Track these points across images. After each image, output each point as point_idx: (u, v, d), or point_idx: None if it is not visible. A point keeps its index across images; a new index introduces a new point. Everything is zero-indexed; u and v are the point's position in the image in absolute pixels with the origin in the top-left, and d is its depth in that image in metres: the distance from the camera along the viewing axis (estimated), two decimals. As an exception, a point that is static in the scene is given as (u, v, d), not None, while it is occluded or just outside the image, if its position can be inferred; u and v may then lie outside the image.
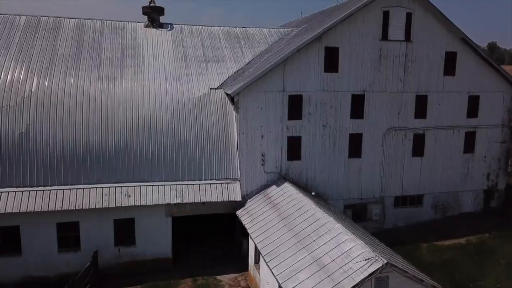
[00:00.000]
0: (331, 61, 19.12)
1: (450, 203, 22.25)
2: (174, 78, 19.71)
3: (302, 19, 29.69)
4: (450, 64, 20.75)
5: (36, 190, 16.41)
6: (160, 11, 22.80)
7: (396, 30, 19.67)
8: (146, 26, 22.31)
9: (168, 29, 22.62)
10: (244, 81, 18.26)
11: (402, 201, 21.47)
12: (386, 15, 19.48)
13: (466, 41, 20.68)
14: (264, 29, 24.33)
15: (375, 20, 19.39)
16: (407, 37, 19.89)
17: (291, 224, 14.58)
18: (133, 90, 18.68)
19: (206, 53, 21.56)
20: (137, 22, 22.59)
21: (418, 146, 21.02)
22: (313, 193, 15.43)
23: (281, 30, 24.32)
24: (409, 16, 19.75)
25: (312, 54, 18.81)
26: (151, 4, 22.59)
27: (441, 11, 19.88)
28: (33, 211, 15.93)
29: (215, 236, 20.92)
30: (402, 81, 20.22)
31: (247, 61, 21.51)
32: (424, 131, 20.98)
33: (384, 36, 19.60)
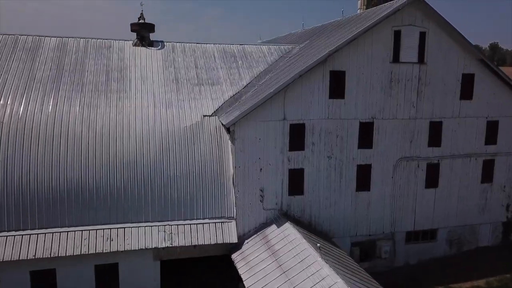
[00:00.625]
0: (337, 86, 17.30)
1: (466, 237, 20.37)
2: (163, 104, 17.88)
3: (304, 32, 27.91)
4: (467, 87, 18.91)
5: (6, 236, 14.59)
6: (150, 28, 21.00)
7: (409, 51, 17.84)
8: (135, 45, 20.50)
9: (159, 47, 20.81)
10: (240, 110, 16.44)
11: (414, 236, 19.61)
12: (397, 35, 17.65)
13: (484, 62, 18.84)
14: (263, 46, 22.51)
15: (385, 40, 17.57)
16: (421, 59, 18.05)
17: (293, 282, 12.71)
18: (118, 119, 16.85)
19: (200, 75, 19.74)
20: (125, 40, 20.79)
21: (432, 177, 19.16)
22: (318, 244, 13.63)
23: (282, 47, 22.50)
24: (422, 35, 17.93)
25: (316, 79, 16.99)
26: (140, 21, 20.78)
27: (457, 30, 18.08)
28: (2, 261, 14.10)
29: (209, 278, 19.02)
30: (415, 106, 18.38)
31: (245, 83, 19.69)
32: (438, 160, 19.13)
33: (396, 58, 17.76)
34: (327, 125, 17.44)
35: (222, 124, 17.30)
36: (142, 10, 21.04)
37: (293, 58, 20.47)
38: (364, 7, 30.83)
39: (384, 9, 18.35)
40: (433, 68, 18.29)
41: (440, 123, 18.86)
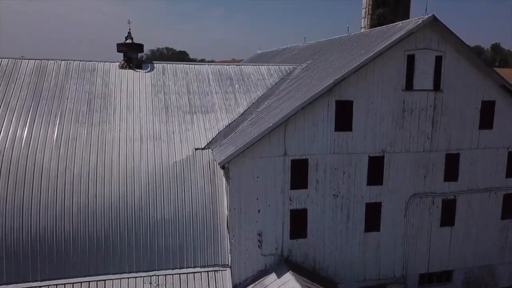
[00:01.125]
0: (344, 117, 15.52)
1: (484, 279, 18.56)
2: (151, 137, 16.11)
3: (306, 47, 26.18)
4: (487, 115, 17.11)
5: (-31, 294, 12.82)
6: (138, 48, 19.24)
7: (423, 77, 16.06)
8: (121, 67, 18.74)
9: (148, 69, 19.05)
10: (235, 146, 14.67)
11: (428, 278, 17.81)
12: (411, 60, 15.88)
13: (506, 88, 17.05)
14: (262, 67, 20.73)
15: (397, 66, 15.79)
16: (436, 86, 16.27)
17: None
18: (99, 156, 15.09)
19: (192, 101, 17.97)
20: (111, 62, 19.02)
21: (448, 214, 17.36)
22: None
23: (282, 68, 20.72)
24: (438, 60, 16.15)
25: (320, 110, 15.22)
26: (127, 41, 19.02)
27: (476, 54, 16.31)
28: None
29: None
30: (430, 138, 16.59)
31: (242, 110, 17.91)
32: (455, 196, 17.32)
33: (409, 86, 15.98)
34: (333, 161, 15.67)
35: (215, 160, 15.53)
36: (129, 29, 19.32)
37: (295, 81, 18.69)
38: (368, 25, 29.25)
39: (395, 30, 16.59)
40: (450, 96, 16.51)
41: (457, 155, 17.06)
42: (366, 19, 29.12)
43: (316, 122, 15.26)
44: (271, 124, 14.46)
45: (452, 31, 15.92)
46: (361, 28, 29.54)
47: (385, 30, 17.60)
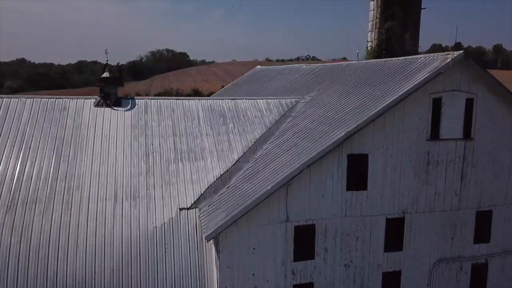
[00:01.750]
0: (357, 174, 12.96)
1: None
2: (128, 195, 13.53)
3: (309, 69, 23.61)
4: (524, 165, 14.56)
5: None
6: (118, 82, 16.68)
7: (451, 124, 13.50)
8: (97, 105, 16.18)
9: (128, 107, 16.47)
10: (227, 212, 12.10)
11: None
12: (437, 104, 13.32)
13: (547, 134, 14.49)
14: (261, 101, 18.14)
15: (421, 112, 13.24)
16: (466, 134, 13.70)
17: None
18: (63, 222, 12.51)
19: (179, 146, 15.39)
20: (85, 99, 16.46)
21: (478, 281, 14.79)
22: None
23: (283, 102, 18.12)
24: (469, 103, 13.59)
25: (329, 166, 12.67)
26: (104, 74, 16.45)
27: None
28: None
29: None
30: (458, 194, 14.01)
31: (236, 157, 15.33)
32: (486, 259, 14.76)
33: (434, 134, 13.42)
34: (344, 225, 13.10)
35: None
36: (107, 60, 16.75)
37: (298, 121, 16.11)
38: (375, 39, 26.73)
39: (416, 67, 14.02)
40: (481, 144, 13.94)
41: (490, 212, 14.50)
42: (374, 33, 26.65)
43: (324, 181, 12.70)
44: (269, 187, 11.89)
45: (486, 69, 13.41)
46: (368, 42, 27.04)
47: (404, 64, 15.02)
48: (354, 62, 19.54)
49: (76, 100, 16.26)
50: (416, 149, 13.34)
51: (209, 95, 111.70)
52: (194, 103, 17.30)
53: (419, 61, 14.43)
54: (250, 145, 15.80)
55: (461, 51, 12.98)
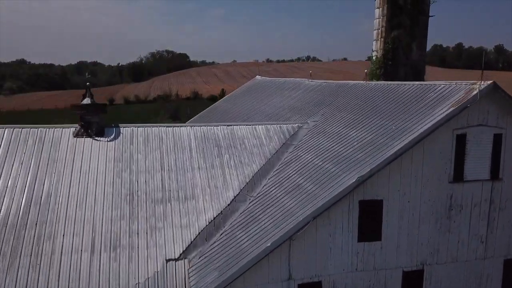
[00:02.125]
0: (370, 223, 11.28)
1: None
2: (107, 245, 11.85)
3: (311, 86, 21.90)
4: (557, 207, 12.85)
5: None
6: (100, 109, 14.99)
7: (477, 163, 11.79)
8: (77, 135, 14.49)
9: (111, 137, 14.77)
10: (220, 271, 10.42)
11: None
12: (461, 141, 11.62)
13: None
14: (260, 127, 16.43)
15: (443, 150, 11.54)
16: (494, 174, 12.00)
17: None
18: (31, 283, 10.83)
19: (167, 183, 13.71)
20: (63, 128, 14.77)
21: (505, 337, 13.11)
22: None
23: (284, 128, 16.41)
24: (497, 139, 11.89)
25: (338, 215, 10.98)
26: (85, 100, 14.76)
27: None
28: None
29: None
30: (484, 241, 12.32)
31: (232, 195, 13.63)
32: (514, 312, 13.07)
33: (458, 176, 11.72)
34: (356, 281, 11.42)
35: None
36: (88, 84, 15.02)
37: (301, 153, 14.41)
38: (381, 49, 25.14)
39: (437, 95, 12.32)
40: (510, 185, 12.24)
41: (518, 260, 12.81)
42: (379, 42, 25.00)
43: (333, 232, 11.02)
44: (269, 244, 10.21)
45: (516, 100, 11.69)
46: (373, 51, 25.38)
47: (420, 92, 13.30)
48: (361, 82, 17.82)
49: (53, 129, 14.56)
50: (437, 192, 11.65)
51: (209, 98, 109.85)
52: (185, 131, 15.60)
53: (438, 89, 12.72)
54: (247, 181, 14.10)
55: (490, 82, 11.29)
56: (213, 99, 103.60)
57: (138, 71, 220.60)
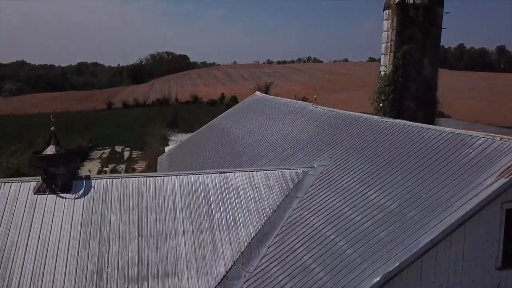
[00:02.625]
0: (398, 325, 8.83)
1: None
2: None
3: (316, 114, 19.47)
4: None
5: None
6: (68, 159, 12.55)
7: (531, 244, 9.35)
8: (38, 191, 12.07)
9: (80, 192, 12.33)
10: None
11: None
12: (511, 217, 9.19)
13: None
14: (257, 173, 13.96)
15: (488, 230, 9.12)
16: (551, 256, 9.55)
17: None
18: None
19: (145, 253, 11.28)
20: (22, 182, 12.34)
21: None
22: None
23: (286, 174, 13.93)
24: (556, 212, 9.44)
25: (357, 317, 8.55)
26: (49, 149, 12.32)
27: None
28: None
29: None
30: (536, 337, 9.88)
31: (223, 270, 11.19)
32: None
33: (507, 261, 9.29)
34: None
35: None
36: (52, 129, 12.57)
37: (307, 213, 11.98)
38: (390, 64, 22.87)
39: (475, 154, 9.88)
40: None
41: None
42: (388, 56, 22.70)
43: None
44: None
45: None
46: (381, 66, 23.09)
47: (452, 144, 10.86)
48: (375, 118, 15.37)
49: (10, 184, 12.14)
50: (482, 282, 9.21)
51: (208, 102, 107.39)
52: (169, 182, 13.16)
53: (477, 144, 10.27)
54: (242, 249, 11.67)
55: (550, 145, 8.85)
56: (213, 103, 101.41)
57: (138, 73, 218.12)
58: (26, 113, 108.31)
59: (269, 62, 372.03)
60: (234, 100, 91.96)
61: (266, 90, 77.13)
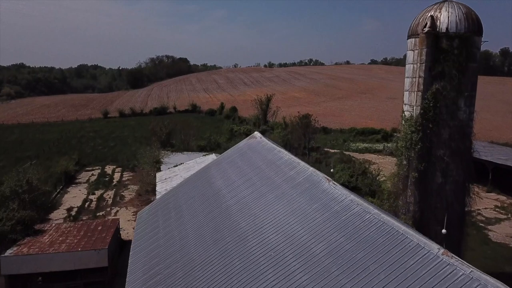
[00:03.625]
0: None
1: None
2: None
3: (335, 206, 15.64)
4: None
5: None
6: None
7: None
8: None
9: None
10: None
11: None
12: None
13: None
14: None
15: None
16: None
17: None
18: None
19: None
20: None
21: None
22: None
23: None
24: None
25: None
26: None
27: None
28: None
29: None
30: None
31: None
32: None
33: None
34: None
35: None
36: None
37: None
38: (416, 105, 19.36)
39: None
40: None
41: None
42: (414, 95, 18.98)
43: None
44: None
45: None
46: (405, 104, 19.15)
47: None
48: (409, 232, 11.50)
49: None
50: None
51: (208, 112, 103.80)
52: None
53: None
54: None
55: None
56: (211, 113, 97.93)
57: (137, 77, 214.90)
58: (19, 123, 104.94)
59: (270, 64, 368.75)
60: (233, 110, 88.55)
61: (267, 102, 73.69)
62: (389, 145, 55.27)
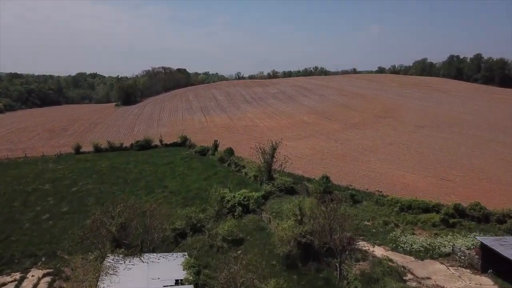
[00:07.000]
0: None
1: None
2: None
3: None
4: None
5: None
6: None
7: None
8: None
9: None
10: None
11: None
12: None
13: None
14: None
15: None
16: None
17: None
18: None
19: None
20: None
21: None
22: None
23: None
24: None
25: None
26: None
27: None
28: None
29: None
30: None
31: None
32: None
33: None
34: None
35: None
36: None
37: None
38: None
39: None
40: None
41: None
42: None
43: None
44: None
45: None
46: None
47: None
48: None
49: None
50: None
51: (199, 151, 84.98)
52: None
53: None
54: None
55: None
56: (203, 152, 79.47)
57: (129, 92, 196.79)
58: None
59: (274, 73, 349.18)
60: (229, 153, 70.19)
61: (272, 152, 55.52)
62: (459, 241, 36.02)
